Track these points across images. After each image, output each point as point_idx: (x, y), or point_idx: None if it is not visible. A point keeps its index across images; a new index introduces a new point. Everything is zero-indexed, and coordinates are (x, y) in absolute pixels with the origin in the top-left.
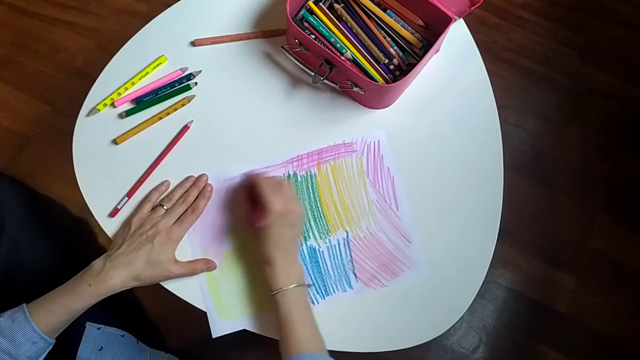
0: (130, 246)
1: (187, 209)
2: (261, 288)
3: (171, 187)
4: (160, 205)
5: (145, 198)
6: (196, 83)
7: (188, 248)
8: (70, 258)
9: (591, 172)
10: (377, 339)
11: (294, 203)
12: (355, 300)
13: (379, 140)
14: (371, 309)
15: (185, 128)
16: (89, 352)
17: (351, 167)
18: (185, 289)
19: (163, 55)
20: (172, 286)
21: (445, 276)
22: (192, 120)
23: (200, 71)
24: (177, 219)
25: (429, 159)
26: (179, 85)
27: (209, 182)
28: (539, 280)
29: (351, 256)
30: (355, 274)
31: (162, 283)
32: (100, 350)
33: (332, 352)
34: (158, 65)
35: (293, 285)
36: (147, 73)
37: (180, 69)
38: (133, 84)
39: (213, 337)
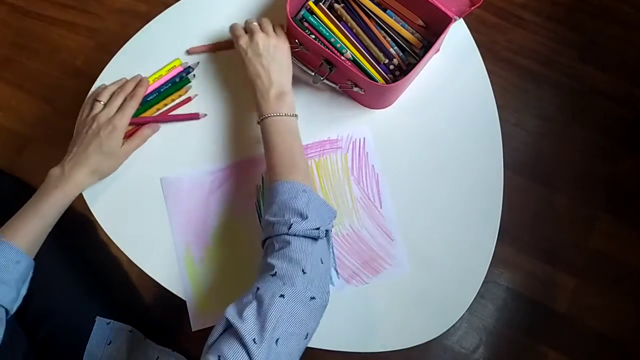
0: (80, 146)
1: (125, 99)
2: (242, 282)
3: None
4: (97, 100)
5: (83, 105)
6: (194, 75)
7: (171, 244)
8: (73, 255)
9: (591, 172)
10: (377, 338)
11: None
12: (356, 300)
13: (364, 138)
14: (371, 308)
15: (187, 99)
16: (98, 346)
17: (336, 164)
18: (169, 280)
19: (178, 58)
20: (154, 274)
21: (445, 276)
22: (197, 95)
23: (197, 63)
24: (118, 110)
25: (429, 159)
26: (179, 80)
27: (192, 181)
28: (539, 280)
29: (333, 252)
30: (336, 271)
31: (146, 271)
32: (109, 344)
33: (332, 352)
34: (172, 68)
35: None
36: (161, 75)
37: (181, 65)
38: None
39: (192, 330)
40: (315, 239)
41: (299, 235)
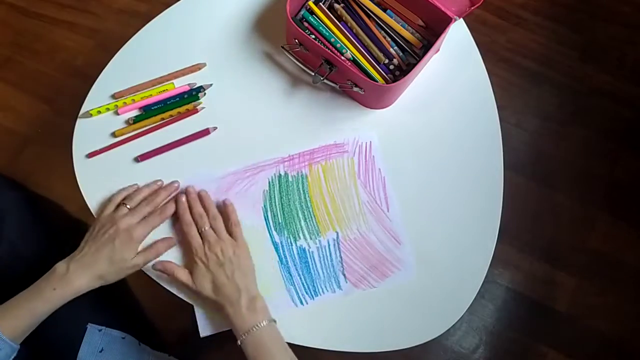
0: (92, 247)
1: (153, 211)
2: None
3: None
4: (123, 204)
5: (110, 198)
6: (205, 94)
7: (175, 247)
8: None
9: (591, 172)
10: (376, 339)
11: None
12: (356, 300)
13: (370, 141)
14: (371, 309)
15: (194, 111)
16: (90, 354)
17: (342, 168)
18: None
19: (172, 82)
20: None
21: (445, 276)
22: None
23: (211, 85)
24: (142, 219)
25: (429, 159)
26: (188, 96)
27: (196, 187)
28: (539, 280)
29: (341, 257)
30: (344, 275)
31: (154, 277)
32: (101, 352)
33: (332, 352)
34: (164, 91)
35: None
36: (151, 95)
37: (189, 84)
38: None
39: (201, 336)
40: None
41: None
